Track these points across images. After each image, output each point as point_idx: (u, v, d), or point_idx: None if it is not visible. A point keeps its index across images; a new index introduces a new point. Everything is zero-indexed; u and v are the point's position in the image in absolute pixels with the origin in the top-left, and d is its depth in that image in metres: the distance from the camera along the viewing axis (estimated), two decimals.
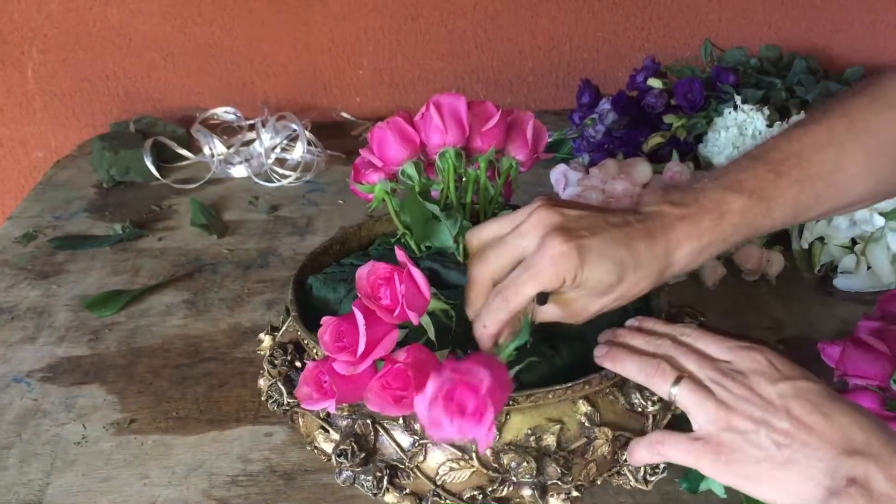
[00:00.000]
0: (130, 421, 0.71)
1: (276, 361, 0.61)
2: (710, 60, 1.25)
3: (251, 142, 1.18)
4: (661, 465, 0.55)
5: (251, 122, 1.22)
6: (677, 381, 0.52)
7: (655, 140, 1.01)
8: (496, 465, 0.53)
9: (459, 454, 0.53)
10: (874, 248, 0.83)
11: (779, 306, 0.83)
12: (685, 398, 0.51)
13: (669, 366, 0.53)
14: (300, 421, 0.60)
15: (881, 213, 0.82)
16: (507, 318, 0.53)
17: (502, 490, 0.53)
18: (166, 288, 0.90)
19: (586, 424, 0.54)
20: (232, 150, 1.17)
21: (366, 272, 0.52)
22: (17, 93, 1.27)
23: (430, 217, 0.62)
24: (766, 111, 0.96)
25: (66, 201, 1.09)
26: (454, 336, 0.55)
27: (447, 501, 0.54)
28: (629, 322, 0.59)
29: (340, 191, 1.09)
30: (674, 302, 0.64)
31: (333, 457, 0.54)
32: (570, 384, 0.53)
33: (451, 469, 0.53)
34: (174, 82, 1.29)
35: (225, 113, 1.26)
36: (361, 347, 0.49)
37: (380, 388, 0.49)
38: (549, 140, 1.08)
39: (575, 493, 0.54)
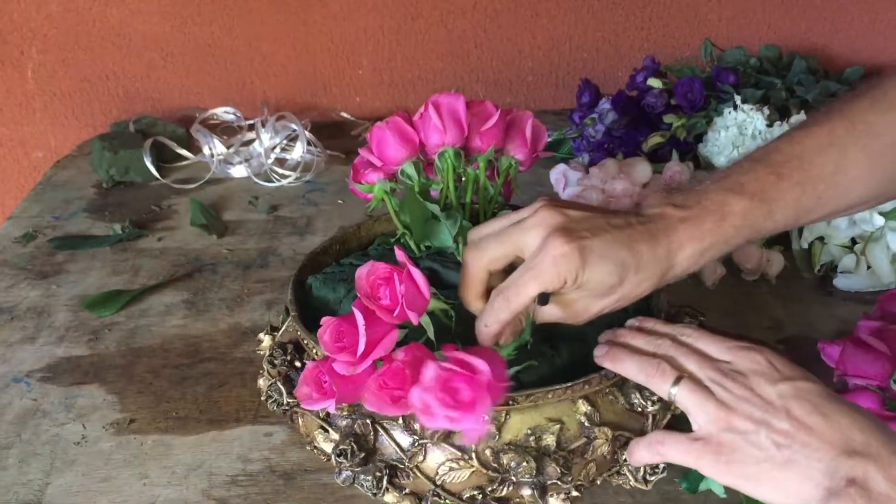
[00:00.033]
0: (130, 421, 0.71)
1: (275, 361, 0.61)
2: (709, 60, 1.25)
3: (251, 142, 1.18)
4: (661, 465, 0.55)
5: (251, 122, 1.22)
6: (677, 381, 0.52)
7: (655, 140, 1.01)
8: (496, 465, 0.53)
9: (459, 454, 0.53)
10: (874, 247, 0.83)
11: (779, 306, 0.83)
12: (685, 398, 0.51)
13: (669, 366, 0.53)
14: (300, 421, 0.60)
15: (881, 213, 0.82)
16: (508, 318, 0.53)
17: (502, 490, 0.53)
18: (166, 288, 0.90)
19: (586, 424, 0.54)
20: (231, 150, 1.17)
21: (365, 272, 0.52)
22: (16, 93, 1.27)
23: (429, 217, 0.62)
24: (766, 111, 0.96)
25: (66, 201, 1.09)
26: (454, 336, 0.55)
27: (447, 501, 0.54)
28: (629, 322, 0.59)
29: (340, 191, 1.09)
30: (673, 302, 0.64)
31: (333, 457, 0.54)
32: (569, 384, 0.53)
33: (451, 469, 0.53)
34: (174, 82, 1.29)
35: (224, 113, 1.26)
36: (361, 347, 0.49)
37: (377, 387, 0.49)
38: (549, 140, 1.08)
39: (574, 493, 0.54)
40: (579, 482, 0.54)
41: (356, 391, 0.50)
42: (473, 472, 0.53)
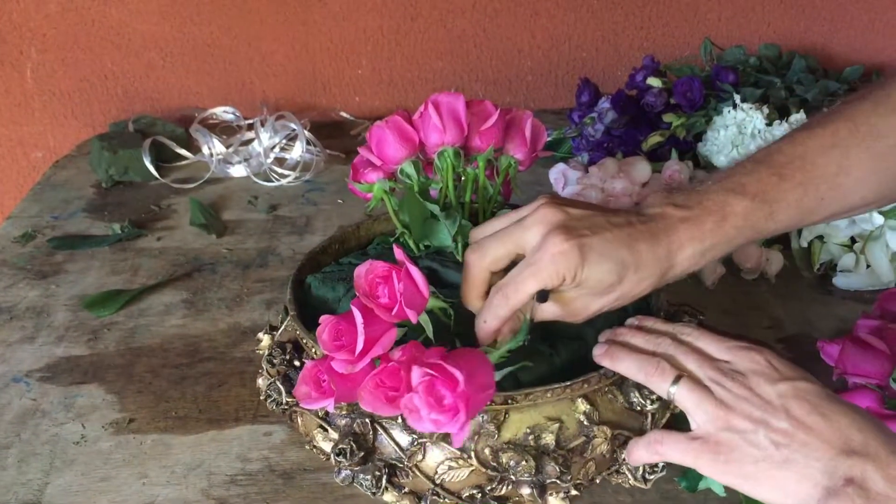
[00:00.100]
0: (129, 420, 0.71)
1: (274, 361, 0.61)
2: (709, 59, 1.25)
3: (250, 141, 1.18)
4: (660, 464, 0.55)
5: (250, 121, 1.23)
6: (676, 380, 0.52)
7: (655, 139, 1.01)
8: (495, 464, 0.53)
9: (458, 453, 0.53)
10: (873, 246, 0.83)
11: (778, 305, 0.83)
12: (684, 397, 0.51)
13: (669, 365, 0.53)
14: (299, 420, 0.60)
15: (880, 212, 0.82)
16: (507, 315, 0.53)
17: (501, 489, 0.53)
18: (165, 288, 0.90)
19: (585, 423, 0.54)
20: (231, 149, 1.17)
21: (364, 271, 0.52)
22: (15, 93, 1.27)
23: (428, 216, 0.62)
24: (766, 110, 0.96)
25: (65, 201, 1.09)
26: (453, 335, 0.55)
27: (446, 500, 0.54)
28: (629, 321, 0.59)
29: (339, 190, 1.09)
30: (673, 300, 0.64)
31: (332, 456, 0.54)
32: (568, 383, 0.53)
33: (450, 468, 0.53)
34: (173, 82, 1.29)
35: (224, 112, 1.26)
36: (360, 346, 0.49)
37: (373, 386, 0.49)
38: (549, 139, 1.08)
39: (574, 492, 0.54)
40: (578, 481, 0.54)
41: (355, 390, 0.50)
42: (472, 471, 0.53)
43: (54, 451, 0.68)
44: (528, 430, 0.53)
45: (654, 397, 0.55)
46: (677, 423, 0.55)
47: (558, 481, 0.53)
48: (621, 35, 1.31)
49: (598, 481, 0.56)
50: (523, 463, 0.52)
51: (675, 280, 0.56)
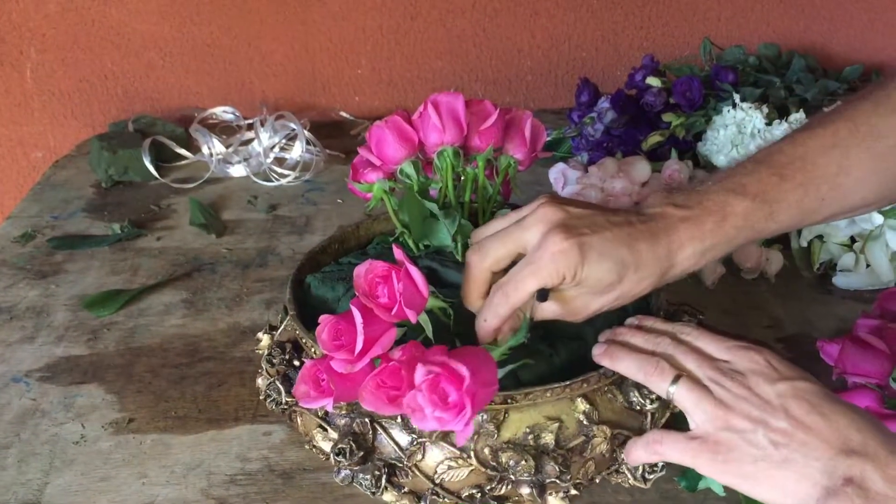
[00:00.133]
0: (129, 420, 0.71)
1: (274, 360, 0.61)
2: (708, 59, 1.25)
3: (250, 141, 1.18)
4: (660, 464, 0.55)
5: (250, 121, 1.23)
6: (676, 379, 0.52)
7: (654, 138, 1.01)
8: (494, 464, 0.53)
9: (458, 453, 0.53)
10: (873, 246, 0.83)
11: (778, 305, 0.83)
12: (683, 397, 0.51)
13: (668, 364, 0.53)
14: (299, 420, 0.60)
15: (880, 212, 0.82)
16: (507, 313, 0.53)
17: (501, 488, 0.53)
18: (165, 287, 0.90)
19: (585, 423, 0.54)
20: (231, 149, 1.17)
21: (364, 270, 0.52)
22: (15, 93, 1.27)
23: (428, 216, 0.62)
24: (765, 109, 0.96)
25: (65, 201, 1.09)
26: (453, 334, 0.55)
27: (445, 500, 0.54)
28: (629, 320, 0.59)
29: (339, 190, 1.09)
30: (673, 300, 0.64)
31: (332, 455, 0.54)
32: (568, 382, 0.53)
33: (450, 468, 0.53)
34: (173, 82, 1.29)
35: (223, 112, 1.26)
36: (359, 346, 0.49)
37: (374, 386, 0.49)
38: (548, 139, 1.08)
39: (573, 492, 0.54)
40: (578, 480, 0.54)
41: (354, 389, 0.50)
42: (472, 470, 0.53)
43: (54, 450, 0.68)
44: (528, 430, 0.53)
45: (653, 397, 0.55)
46: (677, 422, 0.55)
47: (558, 481, 0.53)
48: (621, 35, 1.31)
49: (597, 481, 0.56)
50: (523, 462, 0.52)
51: (674, 280, 0.56)
